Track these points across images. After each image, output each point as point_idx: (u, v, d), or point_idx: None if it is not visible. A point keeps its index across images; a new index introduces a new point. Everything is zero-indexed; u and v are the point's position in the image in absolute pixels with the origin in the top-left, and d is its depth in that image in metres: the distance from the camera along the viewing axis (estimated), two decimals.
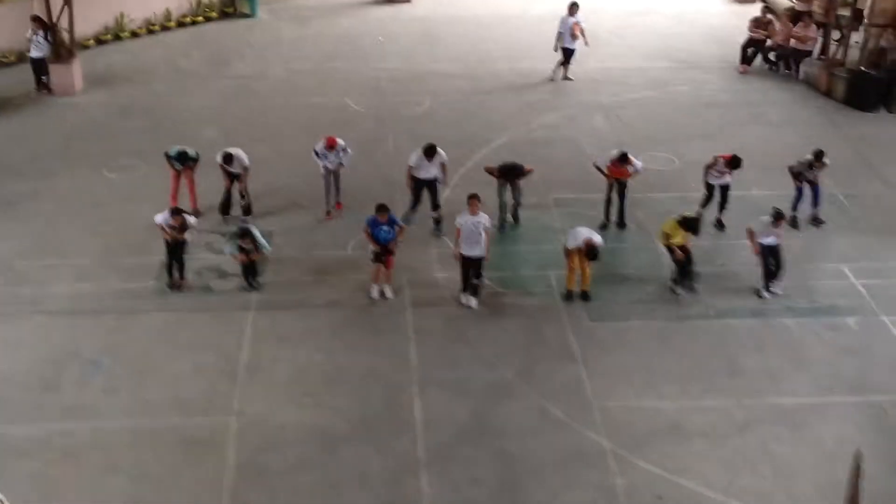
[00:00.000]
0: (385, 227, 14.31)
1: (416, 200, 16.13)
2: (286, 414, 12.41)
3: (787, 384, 13.09)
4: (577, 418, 12.41)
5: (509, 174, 16.06)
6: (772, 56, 23.22)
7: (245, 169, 16.18)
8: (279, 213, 16.55)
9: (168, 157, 16.22)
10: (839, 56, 21.93)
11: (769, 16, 23.45)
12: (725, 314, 14.43)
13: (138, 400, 12.56)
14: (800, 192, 16.54)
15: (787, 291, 14.82)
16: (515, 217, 16.39)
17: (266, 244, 14.68)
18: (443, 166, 15.99)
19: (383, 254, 14.37)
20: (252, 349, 13.53)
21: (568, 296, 14.65)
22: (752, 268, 15.41)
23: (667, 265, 15.33)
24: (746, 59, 23.16)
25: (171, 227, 14.31)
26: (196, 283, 14.84)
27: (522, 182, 16.15)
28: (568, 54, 22.14)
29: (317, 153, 16.28)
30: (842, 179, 17.86)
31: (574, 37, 21.85)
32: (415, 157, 15.82)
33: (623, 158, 15.88)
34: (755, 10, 24.76)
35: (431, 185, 15.98)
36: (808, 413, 12.58)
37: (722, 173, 16.18)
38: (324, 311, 14.34)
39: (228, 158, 16.07)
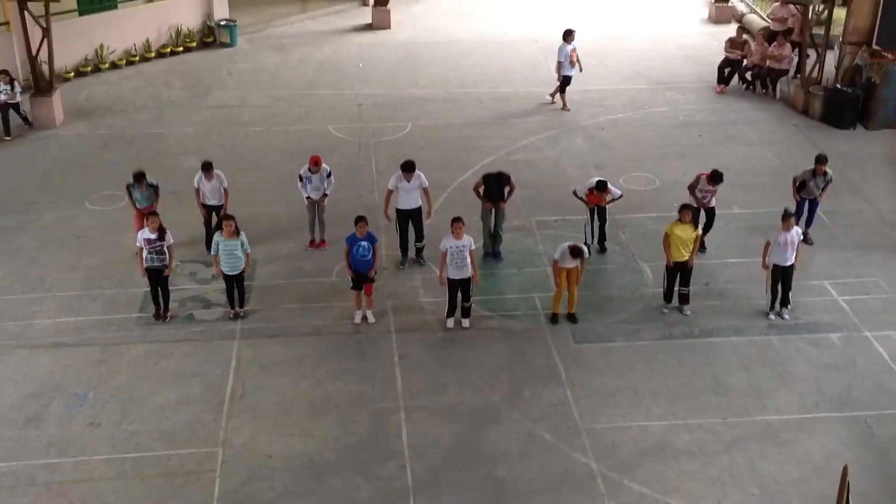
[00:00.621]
0: (364, 244, 14.19)
1: (404, 237, 15.93)
2: (272, 443, 12.36)
3: (772, 401, 13.14)
4: (565, 441, 12.41)
5: (496, 185, 15.87)
6: (748, 76, 23.45)
7: (224, 190, 16.09)
8: (263, 241, 16.53)
9: (128, 187, 15.85)
10: (815, 74, 22.17)
11: (745, 36, 23.70)
12: (710, 333, 14.49)
13: (123, 432, 12.49)
14: (799, 207, 16.43)
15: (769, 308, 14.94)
16: (496, 251, 16.21)
17: (248, 246, 14.53)
18: (426, 192, 15.89)
19: (362, 281, 14.37)
20: (237, 378, 13.49)
21: (553, 318, 14.68)
22: (735, 286, 15.53)
23: (650, 284, 15.42)
24: (723, 80, 23.36)
25: (150, 243, 14.20)
26: (180, 313, 14.79)
27: (506, 206, 16.15)
28: (566, 82, 22.01)
29: (301, 178, 16.17)
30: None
31: (572, 64, 21.80)
32: (393, 179, 15.74)
33: (601, 186, 15.87)
34: (731, 30, 25.02)
35: (416, 215, 15.84)
36: (795, 429, 12.63)
37: (706, 192, 16.14)
38: (309, 338, 14.32)
39: (209, 166, 15.86)
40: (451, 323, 14.54)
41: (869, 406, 13.04)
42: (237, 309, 14.68)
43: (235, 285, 14.54)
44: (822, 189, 16.41)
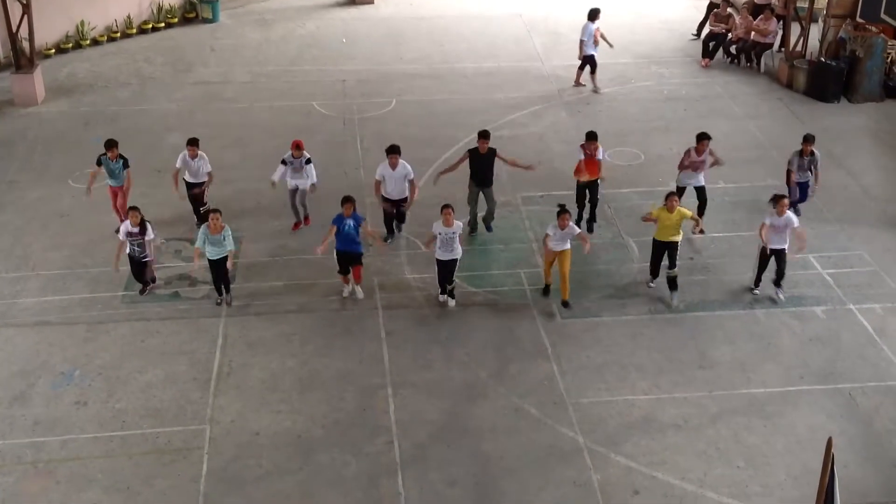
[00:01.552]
0: (349, 222, 14.14)
1: (389, 230, 15.95)
2: (260, 420, 12.37)
3: (757, 374, 13.23)
4: (552, 415, 12.47)
5: (481, 165, 15.69)
6: (733, 49, 23.43)
7: (208, 174, 16.07)
8: (248, 219, 16.48)
9: (99, 158, 15.73)
10: (799, 48, 22.18)
11: (729, 9, 23.66)
12: (695, 307, 14.55)
13: (110, 410, 12.47)
14: (792, 191, 16.19)
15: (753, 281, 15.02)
16: (488, 226, 16.23)
17: (232, 243, 14.45)
18: (411, 184, 15.60)
19: (348, 264, 14.37)
20: (224, 356, 13.48)
21: (546, 290, 14.69)
22: (720, 261, 15.58)
23: (636, 260, 15.46)
24: (708, 53, 23.34)
25: (131, 236, 14.14)
26: (165, 291, 14.75)
27: (493, 188, 16.02)
28: (591, 62, 21.54)
29: (284, 161, 15.97)
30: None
31: (596, 43, 21.30)
32: (380, 168, 15.56)
33: (591, 136, 15.88)
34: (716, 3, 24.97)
35: (400, 205, 15.78)
36: (780, 402, 12.73)
37: (695, 166, 15.87)
38: (295, 315, 14.31)
39: (194, 142, 15.84)
40: (442, 298, 14.55)
41: (853, 378, 13.15)
42: (224, 296, 14.58)
43: (220, 273, 14.35)
44: (811, 170, 16.32)
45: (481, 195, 15.93)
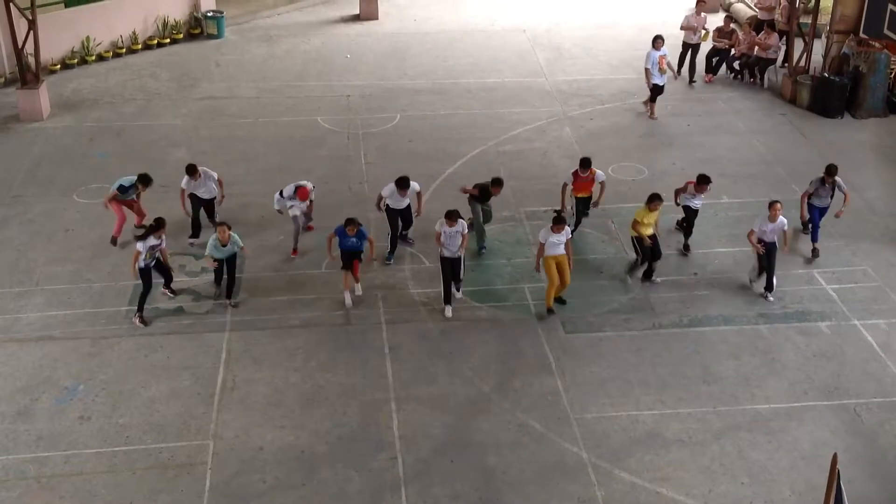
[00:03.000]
0: (353, 239, 14.43)
1: (395, 233, 15.85)
2: (263, 435, 12.36)
3: (761, 390, 13.20)
4: (556, 430, 12.45)
5: (487, 191, 15.89)
6: (736, 65, 23.47)
7: (218, 181, 16.22)
8: (252, 234, 16.48)
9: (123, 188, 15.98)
10: (802, 63, 22.22)
11: (732, 25, 23.71)
12: (699, 322, 14.54)
13: (114, 425, 12.47)
14: (814, 216, 16.05)
15: (759, 297, 14.99)
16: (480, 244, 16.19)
17: (240, 241, 14.77)
18: (418, 195, 15.94)
19: (350, 259, 14.63)
20: (228, 371, 13.48)
21: (549, 312, 14.64)
22: (724, 276, 15.57)
23: (640, 275, 15.46)
24: (711, 69, 23.39)
25: (154, 248, 14.29)
26: (169, 306, 14.76)
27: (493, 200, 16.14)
28: (657, 91, 21.01)
29: (282, 194, 15.89)
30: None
31: (662, 71, 20.75)
32: (388, 189, 15.58)
33: (584, 163, 15.96)
34: (718, 19, 25.00)
35: (406, 213, 15.87)
36: (784, 418, 12.70)
37: (694, 195, 15.94)
38: (299, 330, 14.32)
39: (192, 169, 15.84)
40: (449, 311, 14.56)
41: (857, 394, 13.12)
42: (228, 300, 14.69)
43: (227, 269, 14.65)
44: (832, 196, 16.01)
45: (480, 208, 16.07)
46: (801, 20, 23.13)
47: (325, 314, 14.64)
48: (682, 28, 22.95)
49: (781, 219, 14.73)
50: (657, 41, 20.83)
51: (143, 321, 14.36)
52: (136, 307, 14.42)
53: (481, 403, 12.94)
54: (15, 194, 17.96)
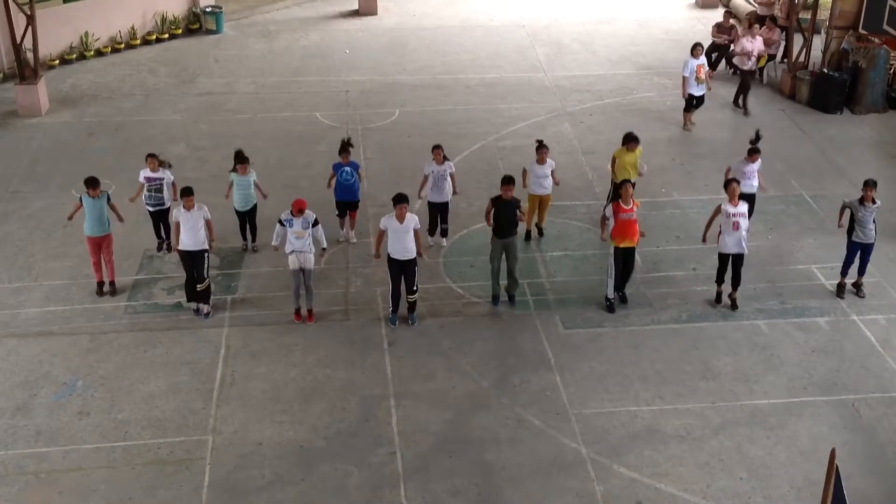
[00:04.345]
0: (347, 168, 15.61)
1: (396, 288, 14.12)
2: (262, 430, 12.36)
3: (760, 385, 13.21)
4: (555, 426, 12.45)
5: (507, 212, 14.27)
6: (735, 60, 23.41)
7: (207, 222, 14.22)
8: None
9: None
10: (802, 59, 22.20)
11: (732, 21, 23.69)
12: (697, 318, 14.54)
13: (112, 421, 12.47)
14: (850, 252, 14.76)
15: (758, 293, 14.99)
16: (510, 292, 14.84)
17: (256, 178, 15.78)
18: (416, 234, 14.11)
19: (346, 208, 15.83)
20: (227, 366, 13.48)
21: (527, 235, 16.11)
22: None
23: (639, 269, 15.44)
24: (711, 65, 23.34)
25: (150, 180, 15.17)
26: (168, 301, 14.77)
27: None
28: (694, 101, 20.26)
29: (281, 221, 13.97)
30: (809, 181, 18.09)
31: (699, 80, 19.96)
32: (384, 220, 13.89)
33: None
34: (718, 15, 25.01)
35: (409, 266, 14.15)
36: (783, 414, 12.70)
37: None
38: (298, 326, 14.31)
39: (188, 191, 13.99)
40: (432, 241, 15.95)
41: (856, 390, 13.13)
42: (250, 243, 15.74)
43: (248, 220, 15.71)
44: (874, 221, 14.58)
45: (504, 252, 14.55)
46: (800, 15, 23.11)
47: (325, 309, 14.63)
48: (736, 53, 21.61)
49: (759, 162, 15.32)
50: (696, 49, 20.06)
51: (162, 248, 15.49)
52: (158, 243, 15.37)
53: (480, 399, 12.95)
54: (13, 190, 17.96)
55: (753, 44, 21.29)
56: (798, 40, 22.56)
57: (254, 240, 15.92)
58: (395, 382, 13.20)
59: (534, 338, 14.09)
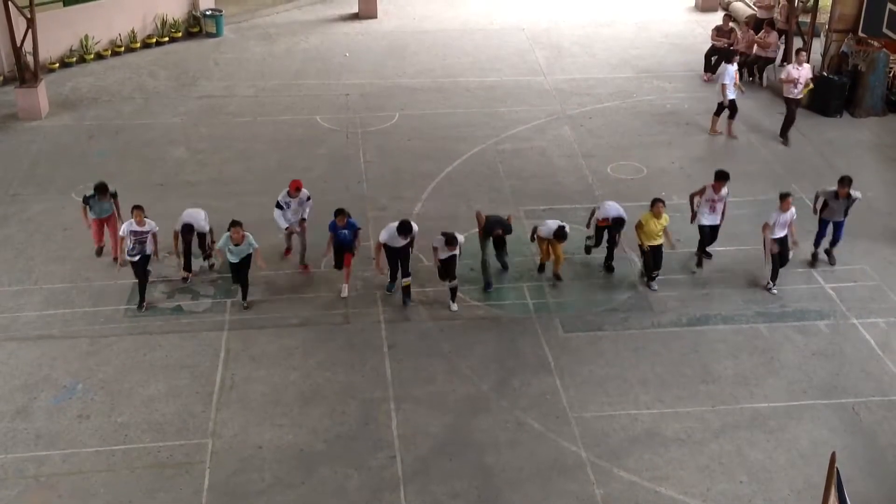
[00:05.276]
0: (344, 231, 14.65)
1: (392, 271, 14.87)
2: (262, 434, 12.35)
3: (760, 389, 13.20)
4: (554, 429, 12.45)
5: (495, 226, 15.02)
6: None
7: (210, 231, 15.24)
8: (250, 231, 16.40)
9: (86, 200, 15.26)
10: None
11: (731, 24, 23.71)
12: (698, 321, 14.54)
13: (112, 424, 12.46)
14: (821, 228, 15.73)
15: (758, 297, 15.00)
16: (504, 265, 15.55)
17: (254, 242, 14.66)
18: (412, 239, 14.66)
19: (340, 256, 14.85)
20: (226, 369, 13.47)
21: (541, 267, 15.49)
22: (723, 274, 15.57)
23: (638, 273, 15.45)
24: (710, 67, 23.37)
25: (137, 234, 14.22)
26: (168, 305, 14.77)
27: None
28: (732, 106, 20.19)
29: (279, 204, 15.16)
30: (808, 184, 18.08)
31: (736, 85, 20.16)
32: (386, 234, 14.45)
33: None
34: (718, 18, 25.02)
35: (403, 252, 14.73)
36: (783, 417, 12.70)
37: (714, 202, 15.42)
38: (298, 329, 14.31)
39: (189, 229, 14.82)
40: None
41: (856, 393, 13.12)
42: (242, 301, 14.73)
43: (241, 275, 14.64)
44: (846, 211, 15.58)
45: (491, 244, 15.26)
46: (799, 19, 23.13)
47: (324, 313, 14.63)
48: (782, 81, 20.36)
49: (793, 210, 14.87)
50: (732, 57, 20.60)
51: (142, 305, 14.65)
52: (138, 301, 14.55)
53: (480, 402, 12.94)
54: (13, 193, 17.95)
55: (800, 71, 20.04)
56: (797, 44, 22.54)
57: (245, 297, 14.76)
58: (395, 386, 13.19)
59: (534, 341, 14.09)
